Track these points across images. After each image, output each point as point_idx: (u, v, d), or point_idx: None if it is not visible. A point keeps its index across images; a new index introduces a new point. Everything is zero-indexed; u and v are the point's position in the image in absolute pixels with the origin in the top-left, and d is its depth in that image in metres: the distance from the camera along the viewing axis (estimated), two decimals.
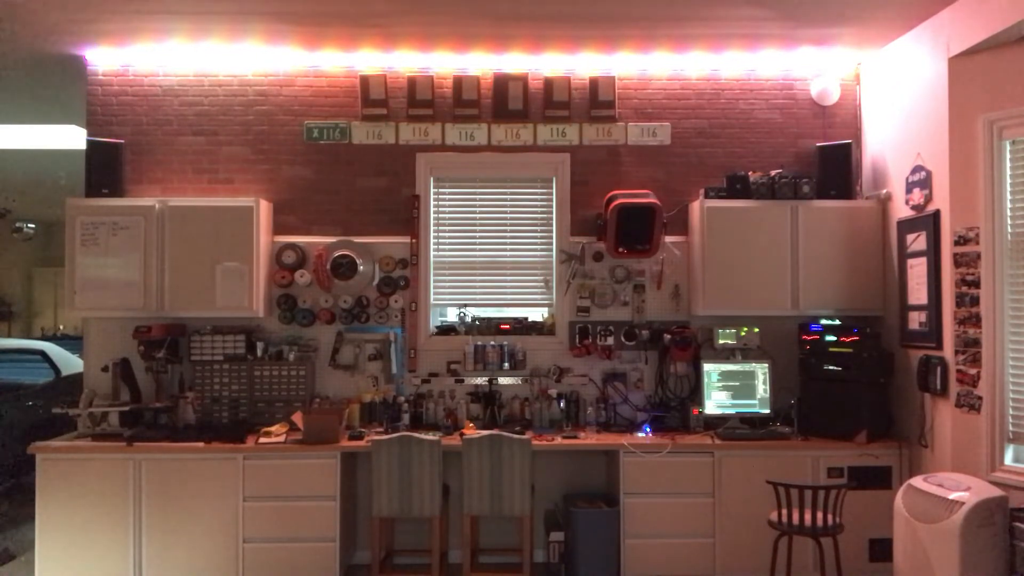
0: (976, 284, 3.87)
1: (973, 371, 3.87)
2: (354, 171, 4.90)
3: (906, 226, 4.39)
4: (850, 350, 4.43)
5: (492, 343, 4.79)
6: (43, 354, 7.09)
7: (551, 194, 4.93)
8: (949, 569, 3.37)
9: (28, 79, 5.10)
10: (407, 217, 4.86)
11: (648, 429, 4.53)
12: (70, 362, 7.01)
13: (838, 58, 4.85)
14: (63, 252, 4.53)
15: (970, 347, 3.89)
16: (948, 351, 4.02)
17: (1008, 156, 3.81)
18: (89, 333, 4.78)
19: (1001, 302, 3.80)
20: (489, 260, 4.94)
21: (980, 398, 3.84)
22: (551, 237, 4.93)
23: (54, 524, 4.13)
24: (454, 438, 4.33)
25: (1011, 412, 3.77)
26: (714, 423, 4.56)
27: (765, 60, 4.87)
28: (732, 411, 4.61)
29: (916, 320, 4.29)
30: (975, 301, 3.87)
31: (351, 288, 4.74)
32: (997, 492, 3.47)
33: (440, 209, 4.95)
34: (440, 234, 4.95)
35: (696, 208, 4.73)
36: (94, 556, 4.14)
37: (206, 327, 4.69)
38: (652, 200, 4.55)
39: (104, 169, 4.67)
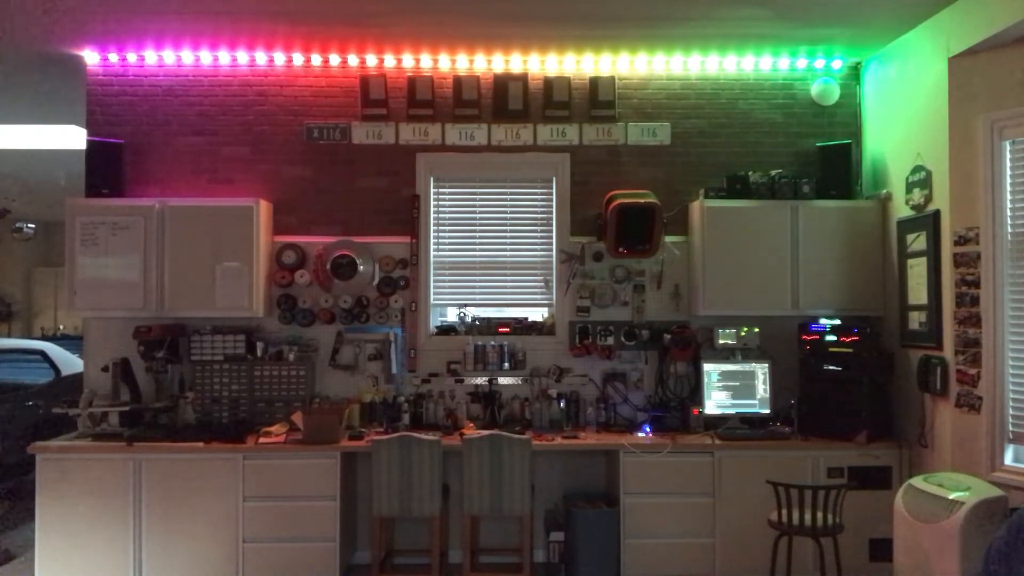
0: (976, 284, 3.87)
1: (973, 371, 3.87)
2: (354, 171, 4.90)
3: (906, 226, 4.39)
4: (850, 350, 4.43)
5: (492, 343, 4.79)
6: (43, 354, 7.08)
7: (551, 194, 4.93)
8: (949, 569, 3.37)
9: (28, 79, 5.09)
10: (407, 217, 4.86)
11: (648, 429, 4.52)
12: (70, 362, 7.00)
13: (838, 58, 4.85)
14: (63, 252, 4.53)
15: (970, 347, 3.89)
16: (948, 351, 4.02)
17: (1008, 156, 3.81)
18: (89, 333, 4.78)
19: (1001, 302, 3.80)
20: (489, 260, 4.94)
21: (980, 398, 3.84)
22: (551, 237, 4.93)
23: (54, 524, 4.13)
24: (454, 438, 4.33)
25: (1011, 412, 3.77)
26: (714, 423, 4.56)
27: (765, 60, 4.87)
28: (732, 411, 4.61)
29: (916, 320, 4.29)
30: (975, 301, 3.87)
31: (351, 288, 4.74)
32: (997, 492, 3.47)
33: (440, 209, 4.95)
34: (440, 234, 4.95)
35: (696, 208, 4.73)
36: (94, 556, 4.14)
37: (206, 327, 4.68)
38: (652, 200, 4.55)
39: (104, 169, 4.67)
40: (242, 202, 4.59)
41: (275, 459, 4.19)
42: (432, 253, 4.90)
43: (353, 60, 4.84)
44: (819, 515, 3.77)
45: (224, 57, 4.79)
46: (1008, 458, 3.77)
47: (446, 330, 4.92)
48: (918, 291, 4.25)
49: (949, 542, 3.37)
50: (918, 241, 4.26)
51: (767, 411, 4.60)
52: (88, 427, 4.35)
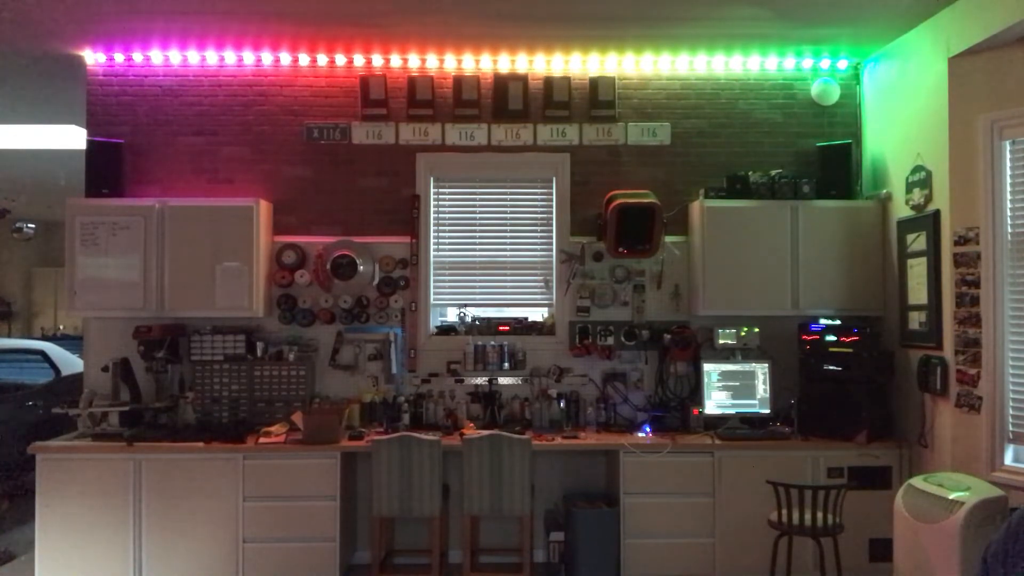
0: (976, 284, 3.87)
1: (973, 371, 3.87)
2: (354, 171, 4.90)
3: (906, 226, 4.39)
4: (850, 350, 4.42)
5: (492, 343, 4.79)
6: (43, 354, 7.08)
7: (551, 194, 4.93)
8: (949, 569, 3.37)
9: (28, 79, 5.10)
10: (407, 217, 4.86)
11: (648, 429, 4.52)
12: (70, 362, 7.00)
13: (838, 58, 4.85)
14: (63, 252, 4.53)
15: (970, 347, 3.89)
16: (948, 351, 4.02)
17: (1008, 156, 3.81)
18: (89, 333, 4.78)
19: (1001, 302, 3.80)
20: (489, 260, 4.94)
21: (980, 398, 3.84)
22: (551, 237, 4.93)
23: (54, 524, 4.13)
24: (454, 438, 4.33)
25: (1011, 412, 3.77)
26: (714, 423, 4.56)
27: (765, 60, 4.87)
28: (732, 411, 4.61)
29: (916, 320, 4.29)
30: (975, 301, 3.87)
31: (351, 288, 4.74)
32: (997, 492, 3.46)
33: (440, 209, 4.95)
34: (440, 234, 4.95)
35: (696, 208, 4.73)
36: (94, 556, 4.14)
37: (206, 327, 4.68)
38: (652, 200, 4.55)
39: (104, 169, 4.67)
40: (242, 202, 4.59)
41: (275, 459, 4.19)
42: (432, 253, 4.90)
43: (353, 60, 4.83)
44: (819, 515, 3.76)
45: (224, 57, 4.79)
46: (1008, 458, 3.77)
47: (446, 330, 4.92)
48: (918, 291, 4.25)
49: (949, 542, 3.37)
50: (918, 241, 4.26)
51: (767, 411, 4.60)
52: (88, 427, 4.35)
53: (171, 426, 4.52)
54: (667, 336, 4.72)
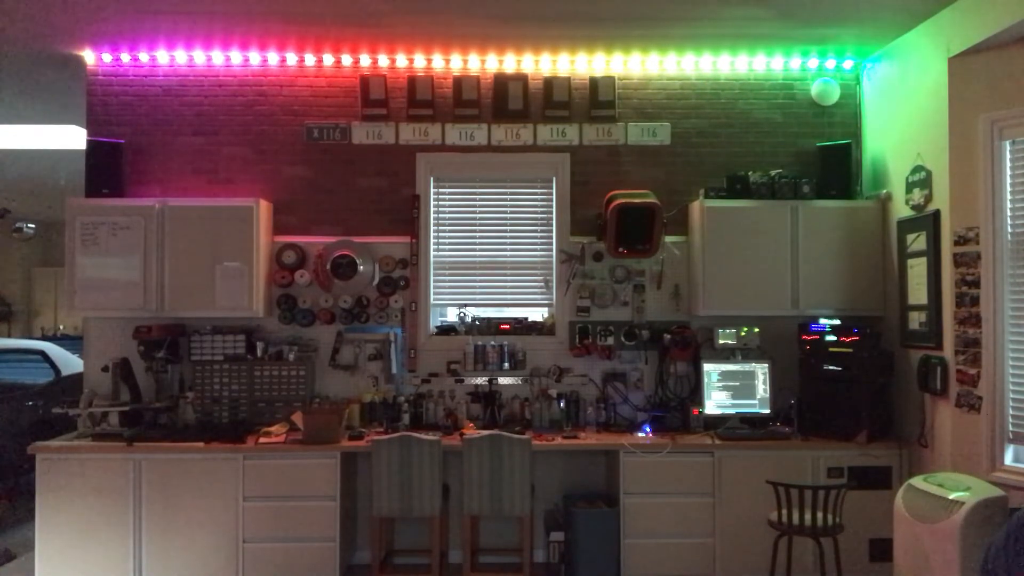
0: (976, 284, 3.87)
1: (973, 371, 3.87)
2: (354, 171, 4.90)
3: (906, 226, 4.39)
4: (850, 350, 4.42)
5: (492, 343, 4.79)
6: (43, 354, 7.07)
7: (551, 194, 4.93)
8: (949, 569, 3.37)
9: (28, 79, 5.10)
10: (407, 217, 4.86)
11: (648, 429, 4.52)
12: (70, 362, 7.00)
13: (838, 58, 4.85)
14: (63, 252, 4.53)
15: (970, 347, 3.89)
16: (948, 351, 4.02)
17: (1008, 156, 3.81)
18: (89, 333, 4.78)
19: (1001, 302, 3.80)
20: (489, 260, 4.94)
21: (980, 398, 3.84)
22: (551, 237, 4.93)
23: (54, 524, 4.14)
24: (454, 438, 4.33)
25: (1011, 412, 3.77)
26: (714, 423, 4.56)
27: (765, 60, 4.87)
28: (732, 411, 4.61)
29: (916, 320, 4.29)
30: (975, 301, 3.87)
31: (351, 288, 4.75)
32: (997, 492, 3.46)
33: (440, 209, 4.95)
34: (440, 234, 4.95)
35: (696, 208, 4.73)
36: (94, 556, 4.14)
37: (206, 327, 4.68)
38: (652, 200, 4.55)
39: (104, 169, 4.67)
40: (242, 202, 4.59)
41: (275, 459, 4.19)
42: (432, 253, 4.90)
43: (353, 60, 4.83)
44: (819, 515, 3.77)
45: (224, 57, 4.79)
46: (1008, 458, 3.77)
47: (446, 330, 4.92)
48: (918, 291, 4.25)
49: (949, 542, 3.37)
50: (918, 241, 4.26)
51: (767, 411, 4.60)
52: (88, 427, 4.35)
53: (171, 426, 4.52)
54: (667, 336, 4.72)
